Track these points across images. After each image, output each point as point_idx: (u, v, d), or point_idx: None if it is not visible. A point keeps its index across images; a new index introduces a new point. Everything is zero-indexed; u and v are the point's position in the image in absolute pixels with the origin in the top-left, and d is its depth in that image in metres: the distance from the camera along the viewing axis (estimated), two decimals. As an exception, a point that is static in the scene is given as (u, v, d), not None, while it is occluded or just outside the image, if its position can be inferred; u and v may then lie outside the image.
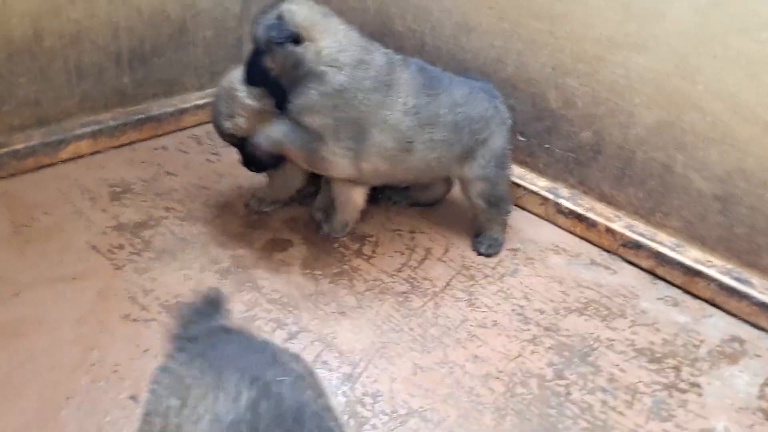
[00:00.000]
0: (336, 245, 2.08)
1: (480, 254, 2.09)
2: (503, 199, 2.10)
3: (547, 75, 2.22)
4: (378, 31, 2.65)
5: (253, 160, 2.05)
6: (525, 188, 2.34)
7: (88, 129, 2.37)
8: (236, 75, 1.99)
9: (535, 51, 2.23)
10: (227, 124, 2.01)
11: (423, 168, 1.98)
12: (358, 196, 2.02)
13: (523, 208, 2.34)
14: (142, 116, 2.50)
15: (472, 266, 2.05)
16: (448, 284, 1.96)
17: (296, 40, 1.84)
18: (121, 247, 1.96)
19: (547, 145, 2.32)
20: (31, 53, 2.19)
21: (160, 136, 2.55)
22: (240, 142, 2.05)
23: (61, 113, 2.35)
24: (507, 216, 2.14)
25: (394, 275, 1.97)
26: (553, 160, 2.32)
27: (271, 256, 2.01)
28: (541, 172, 2.36)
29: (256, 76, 1.93)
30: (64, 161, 2.33)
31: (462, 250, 2.11)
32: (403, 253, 2.07)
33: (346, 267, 1.99)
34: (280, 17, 1.84)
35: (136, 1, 2.37)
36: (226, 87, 2.01)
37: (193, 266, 1.92)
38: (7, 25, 2.10)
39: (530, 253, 2.13)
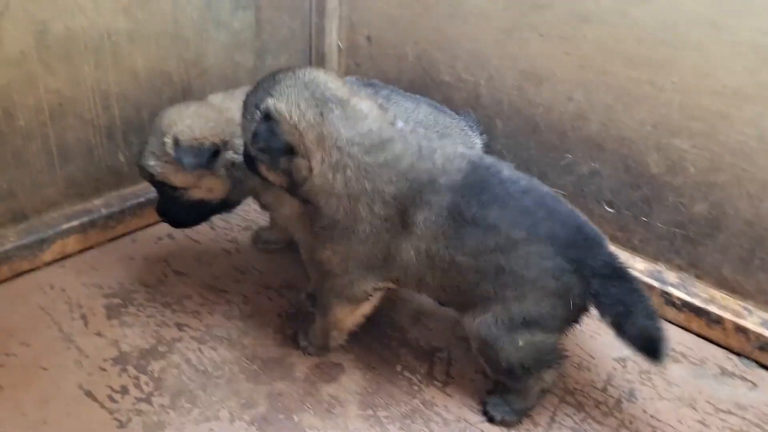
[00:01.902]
0: (398, 366, 1.63)
1: (492, 421, 1.52)
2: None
3: (646, 134, 1.79)
4: (419, 81, 2.22)
5: (170, 212, 1.69)
6: (618, 271, 1.89)
7: (75, 222, 1.92)
8: (176, 116, 1.58)
9: (629, 105, 1.79)
10: (151, 162, 1.60)
11: None
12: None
13: (619, 297, 1.89)
14: (142, 199, 2.05)
15: (576, 389, 1.60)
16: (552, 419, 1.51)
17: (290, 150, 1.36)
18: (124, 390, 1.50)
19: (644, 218, 1.88)
20: (1, 135, 1.74)
21: (162, 221, 2.10)
22: (159, 185, 1.64)
23: (42, 204, 1.89)
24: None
25: (480, 411, 1.51)
26: (653, 237, 1.88)
27: (319, 390, 1.55)
28: (637, 250, 1.92)
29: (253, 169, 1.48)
30: (47, 264, 1.87)
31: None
32: (487, 375, 1.61)
33: (416, 402, 1.53)
34: (268, 116, 1.34)
35: (130, 63, 1.93)
36: (162, 127, 1.59)
37: (220, 414, 1.46)
38: (-32, 104, 1.66)
39: (642, 363, 1.67)
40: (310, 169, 1.36)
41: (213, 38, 2.11)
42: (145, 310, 1.74)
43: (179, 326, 1.70)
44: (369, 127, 1.37)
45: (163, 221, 1.73)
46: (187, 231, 2.05)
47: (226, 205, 1.70)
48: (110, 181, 2.02)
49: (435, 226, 1.38)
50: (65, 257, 1.90)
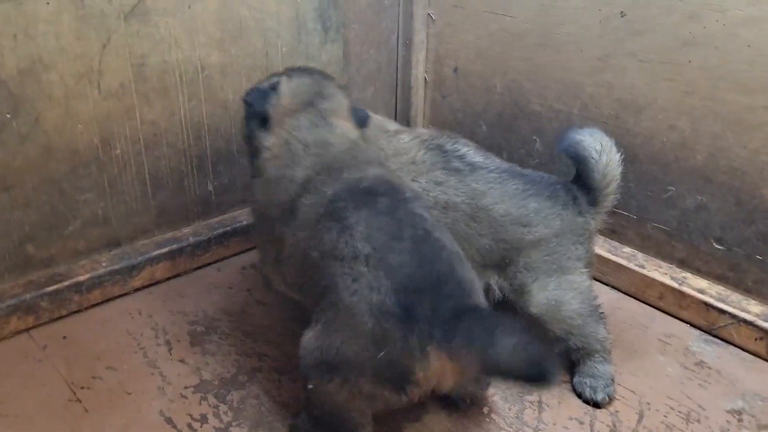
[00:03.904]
0: (485, 409, 1.53)
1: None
2: None
3: (761, 165, 1.64)
4: (508, 113, 2.15)
5: None
6: (730, 314, 1.72)
7: (165, 249, 1.95)
8: None
9: (740, 133, 1.65)
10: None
11: None
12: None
13: (731, 343, 1.72)
14: (228, 228, 2.07)
15: (685, 443, 1.44)
16: (658, 476, 1.36)
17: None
18: (203, 419, 1.48)
19: (759, 256, 1.71)
20: (98, 164, 1.80)
21: (248, 250, 2.11)
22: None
23: (134, 231, 1.94)
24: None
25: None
26: (769, 277, 1.71)
27: (402, 429, 1.47)
28: (750, 291, 1.75)
29: None
30: (136, 290, 1.91)
31: (663, 412, 1.51)
32: (582, 422, 1.49)
33: (506, 448, 1.43)
34: (274, 87, 1.54)
35: (222, 95, 1.98)
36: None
37: (297, 449, 1.41)
38: (71, 134, 1.73)
39: (762, 417, 1.50)
40: (263, 144, 1.49)
41: (301, 71, 2.13)
42: (227, 339, 1.72)
43: (259, 356, 1.67)
44: (325, 136, 1.45)
45: None
46: (271, 261, 2.04)
47: None
48: (199, 210, 2.05)
49: (310, 212, 1.31)
50: (154, 284, 1.93)
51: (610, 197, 1.55)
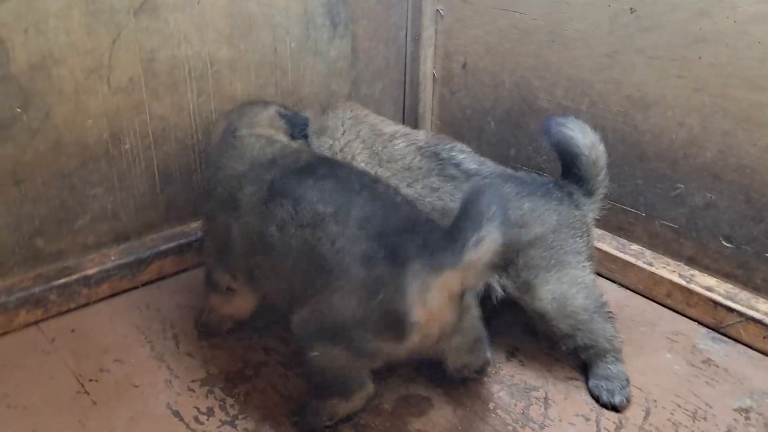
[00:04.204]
0: (491, 405, 1.53)
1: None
2: None
3: (771, 162, 1.63)
4: (516, 109, 2.15)
5: None
6: (738, 312, 1.71)
7: (173, 243, 1.96)
8: None
9: (750, 130, 1.64)
10: None
11: None
12: None
13: (739, 341, 1.72)
14: (236, 224, 2.07)
15: (692, 441, 1.44)
16: (664, 474, 1.36)
17: None
18: (210, 412, 1.49)
19: (768, 255, 1.70)
20: (108, 158, 1.81)
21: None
22: None
23: (143, 226, 1.95)
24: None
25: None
26: (779, 275, 1.70)
27: (406, 424, 1.47)
28: (759, 290, 1.74)
29: None
30: (144, 284, 1.92)
31: (670, 409, 1.51)
32: (588, 419, 1.48)
33: (512, 444, 1.43)
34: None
35: (230, 91, 1.98)
36: None
37: (303, 443, 1.41)
38: (81, 128, 1.74)
39: (770, 416, 1.49)
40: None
41: (310, 67, 2.14)
42: (233, 333, 1.73)
43: (266, 350, 1.68)
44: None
45: None
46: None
47: None
48: (207, 205, 2.06)
49: (254, 199, 1.35)
50: (162, 278, 1.95)
51: (603, 184, 1.59)
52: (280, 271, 1.34)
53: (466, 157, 1.64)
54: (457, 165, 1.61)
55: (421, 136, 1.72)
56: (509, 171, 1.66)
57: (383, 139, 1.70)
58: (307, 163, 1.42)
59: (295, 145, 1.60)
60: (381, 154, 1.67)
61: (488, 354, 1.51)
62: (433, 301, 1.16)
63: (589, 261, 1.57)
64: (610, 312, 1.57)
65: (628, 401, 1.52)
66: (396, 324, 1.16)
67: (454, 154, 1.64)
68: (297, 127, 1.64)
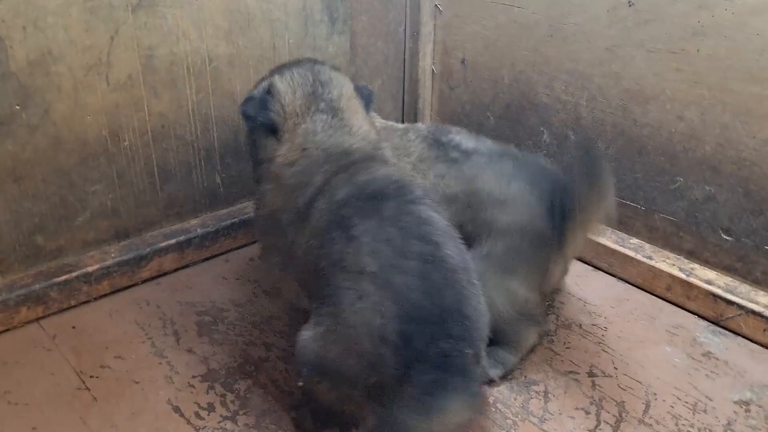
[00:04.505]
0: (491, 398, 1.53)
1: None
2: None
3: (770, 155, 1.63)
4: (516, 104, 2.15)
5: None
6: (738, 305, 1.71)
7: (173, 240, 1.96)
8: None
9: (749, 123, 1.64)
10: None
11: None
12: None
13: (739, 334, 1.72)
14: (236, 220, 2.08)
15: (692, 433, 1.44)
16: (664, 466, 1.36)
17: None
18: (210, 407, 1.49)
19: (767, 247, 1.70)
20: (107, 155, 1.81)
21: (256, 242, 2.12)
22: None
23: (143, 223, 1.96)
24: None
25: (580, 451, 1.39)
26: (778, 268, 1.70)
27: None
28: (759, 282, 1.74)
29: None
30: (144, 281, 1.92)
31: (670, 402, 1.51)
32: (588, 412, 1.48)
33: (512, 438, 1.43)
34: (269, 90, 1.46)
35: (229, 87, 1.98)
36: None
37: (304, 438, 1.42)
38: (80, 125, 1.74)
39: (769, 408, 1.49)
40: (275, 153, 1.40)
41: (309, 63, 2.14)
42: (234, 329, 1.73)
43: (266, 346, 1.68)
44: (344, 141, 1.39)
45: None
46: (278, 253, 2.05)
47: None
48: (207, 201, 2.06)
49: (321, 219, 1.26)
50: (162, 274, 1.95)
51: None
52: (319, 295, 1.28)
53: (462, 137, 1.66)
54: (457, 146, 1.63)
55: (422, 127, 1.75)
56: (512, 149, 1.68)
57: (398, 133, 1.72)
58: (377, 190, 1.27)
59: (374, 135, 1.45)
60: (400, 148, 1.68)
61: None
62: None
63: (536, 280, 1.57)
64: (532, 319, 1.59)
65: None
66: (384, 397, 1.15)
67: (451, 137, 1.67)
68: (370, 104, 1.50)
